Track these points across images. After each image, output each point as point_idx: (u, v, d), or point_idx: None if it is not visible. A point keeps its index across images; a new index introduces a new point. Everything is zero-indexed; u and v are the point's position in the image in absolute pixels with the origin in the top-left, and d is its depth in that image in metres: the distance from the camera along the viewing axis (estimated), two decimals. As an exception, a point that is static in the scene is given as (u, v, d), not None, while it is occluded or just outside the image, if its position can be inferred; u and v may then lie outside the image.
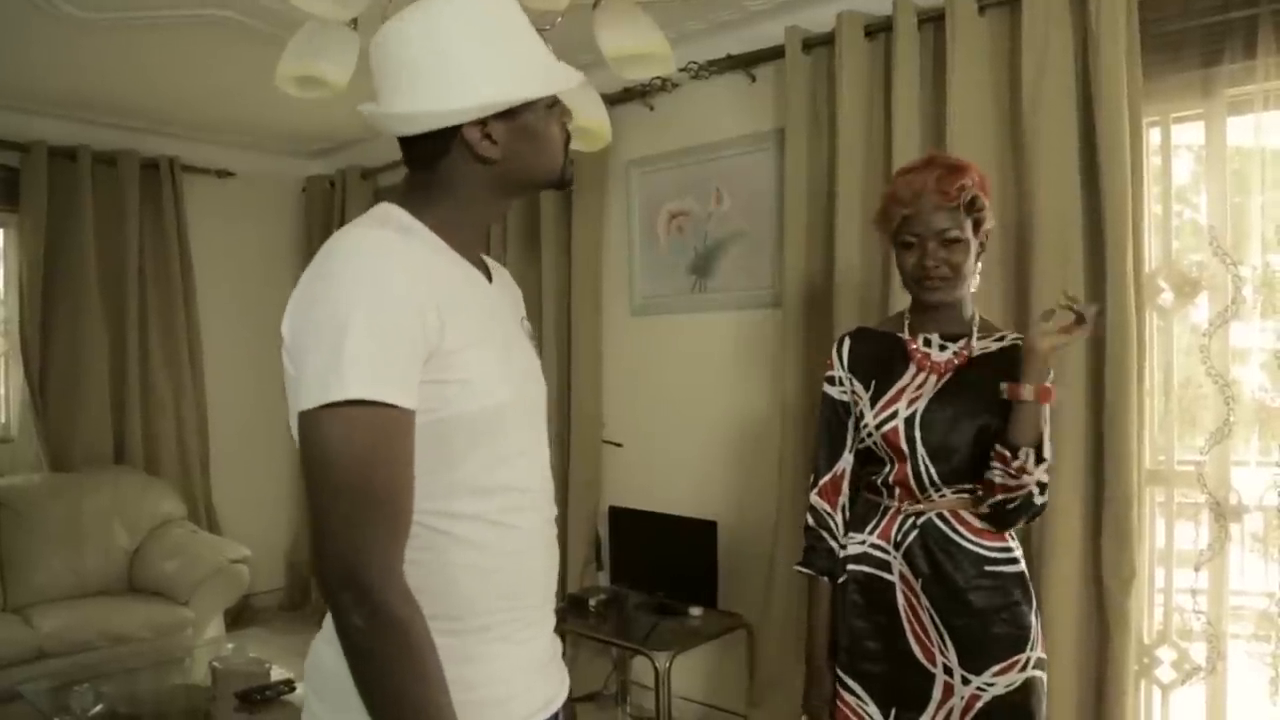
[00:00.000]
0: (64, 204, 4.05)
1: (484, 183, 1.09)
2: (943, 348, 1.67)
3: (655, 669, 2.84)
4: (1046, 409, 1.53)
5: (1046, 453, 1.55)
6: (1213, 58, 2.24)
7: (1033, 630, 1.61)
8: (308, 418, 0.93)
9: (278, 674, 2.68)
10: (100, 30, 3.07)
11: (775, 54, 2.98)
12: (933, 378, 1.65)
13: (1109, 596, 2.30)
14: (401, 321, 0.94)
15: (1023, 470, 1.52)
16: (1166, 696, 2.40)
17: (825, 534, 1.76)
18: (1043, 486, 1.57)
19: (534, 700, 1.10)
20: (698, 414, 3.37)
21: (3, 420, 4.18)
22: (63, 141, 4.04)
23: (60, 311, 4.05)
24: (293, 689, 2.62)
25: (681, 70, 3.16)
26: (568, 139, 1.14)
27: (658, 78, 3.18)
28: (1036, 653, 1.61)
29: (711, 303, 3.33)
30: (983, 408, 1.58)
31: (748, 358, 3.21)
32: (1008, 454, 1.52)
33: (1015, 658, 1.59)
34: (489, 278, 1.14)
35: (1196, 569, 2.29)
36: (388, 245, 0.98)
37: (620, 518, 3.49)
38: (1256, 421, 2.28)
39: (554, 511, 1.15)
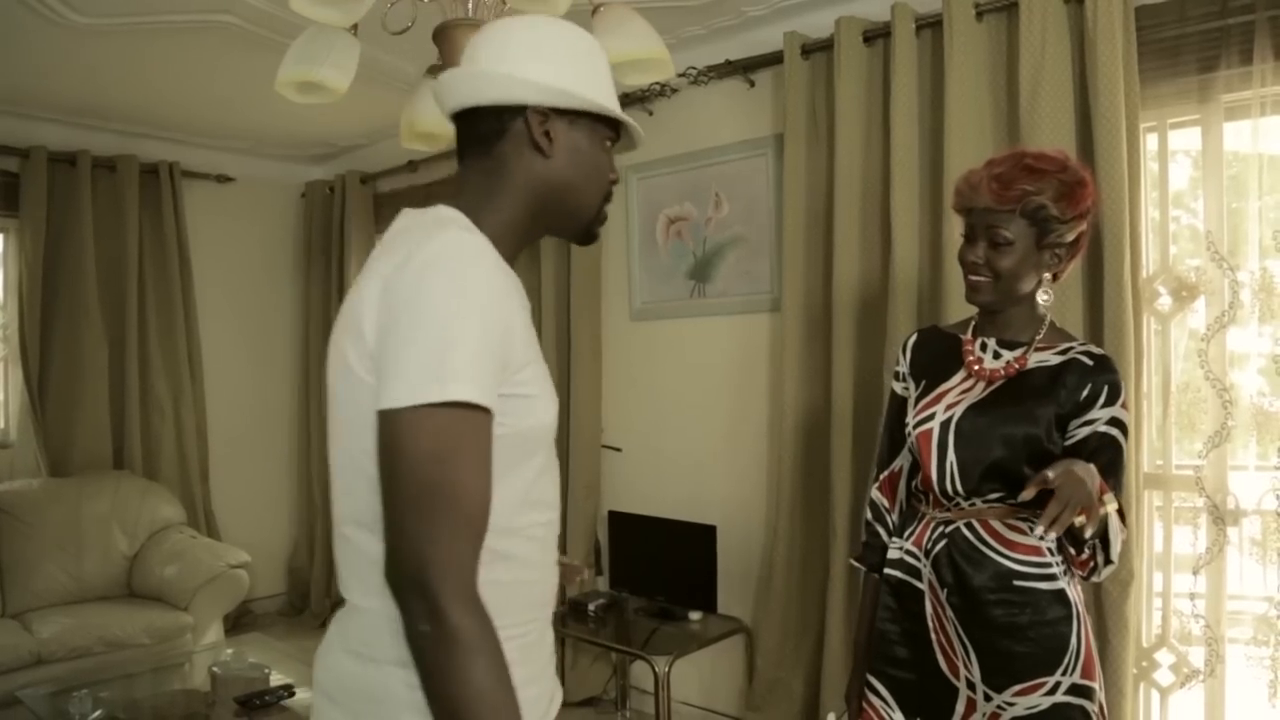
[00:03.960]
0: (64, 209, 4.05)
1: (531, 182, 1.08)
2: (997, 355, 1.60)
3: (655, 673, 2.84)
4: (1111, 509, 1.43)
5: (1114, 554, 1.47)
6: (1209, 64, 2.25)
7: (1070, 653, 1.49)
8: (396, 416, 0.91)
9: (277, 679, 2.68)
10: (100, 35, 3.08)
11: (774, 59, 2.99)
12: (980, 384, 1.59)
13: (1107, 600, 2.30)
14: (493, 330, 0.94)
15: (1088, 566, 1.49)
16: (1165, 700, 2.40)
17: (880, 529, 1.74)
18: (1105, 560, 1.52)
19: (553, 696, 1.14)
20: (697, 418, 3.37)
21: (2, 426, 4.18)
22: (62, 147, 4.05)
23: (59, 317, 4.05)
24: (292, 694, 2.61)
25: (680, 76, 3.17)
26: (608, 196, 1.15)
27: (656, 83, 3.19)
28: (1073, 678, 1.49)
29: (711, 307, 3.33)
30: (1023, 422, 1.51)
31: (747, 362, 3.22)
32: (1073, 551, 1.48)
33: (1041, 679, 1.49)
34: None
35: (1195, 573, 2.30)
36: (483, 253, 0.97)
37: (620, 522, 3.49)
38: (1255, 426, 2.28)
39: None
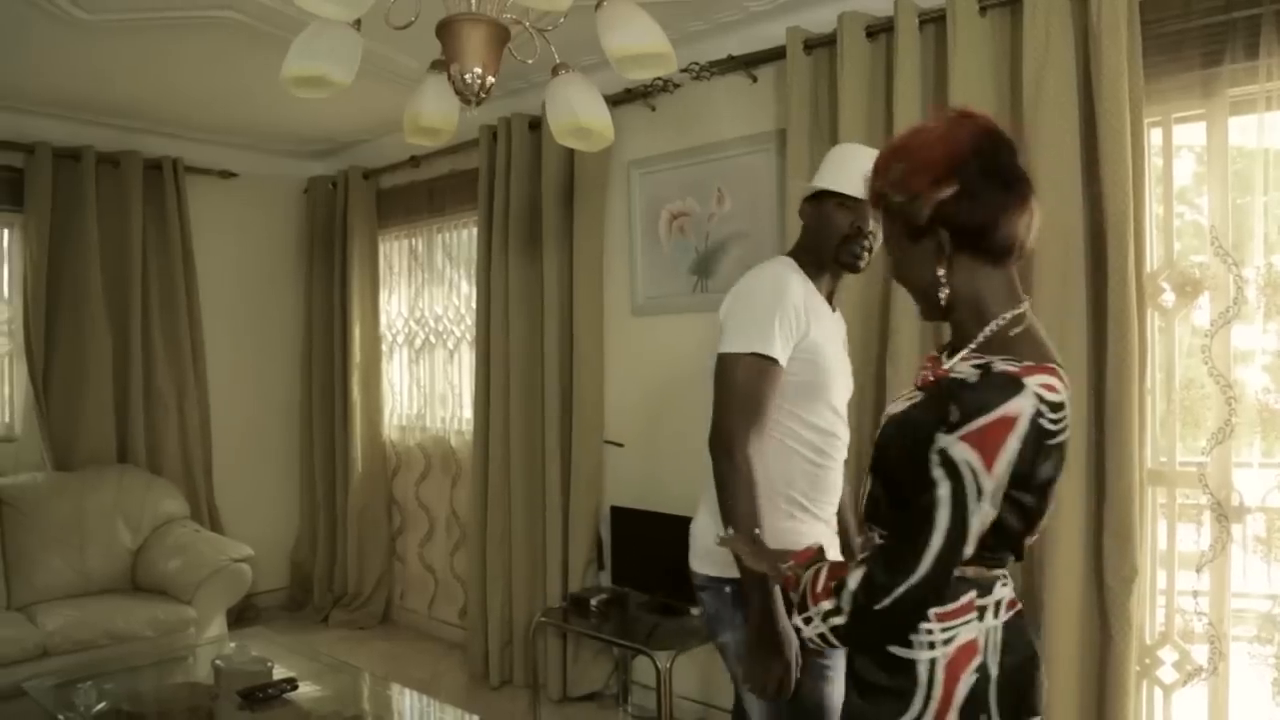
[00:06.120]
0: (68, 204, 4.06)
1: (809, 240, 1.88)
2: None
3: (657, 669, 2.84)
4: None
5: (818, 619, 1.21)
6: (1214, 58, 2.24)
7: None
8: (729, 356, 1.74)
9: (280, 673, 2.68)
10: (104, 31, 3.08)
11: (777, 54, 2.99)
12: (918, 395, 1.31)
13: (1111, 596, 2.30)
14: (790, 317, 1.73)
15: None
16: (1168, 697, 2.40)
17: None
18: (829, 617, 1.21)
19: (835, 554, 1.79)
20: (699, 414, 3.34)
21: (7, 420, 4.19)
22: (66, 142, 4.05)
23: (64, 311, 4.06)
24: (295, 687, 2.62)
25: (683, 71, 3.16)
26: (848, 236, 1.81)
27: (659, 78, 3.18)
28: None
29: (713, 303, 3.28)
30: (891, 444, 1.29)
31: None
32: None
33: None
34: (832, 310, 1.91)
35: (1198, 570, 2.29)
36: (790, 273, 1.81)
37: (622, 518, 3.49)
38: (1259, 422, 2.28)
39: (845, 455, 1.89)
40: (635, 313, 3.60)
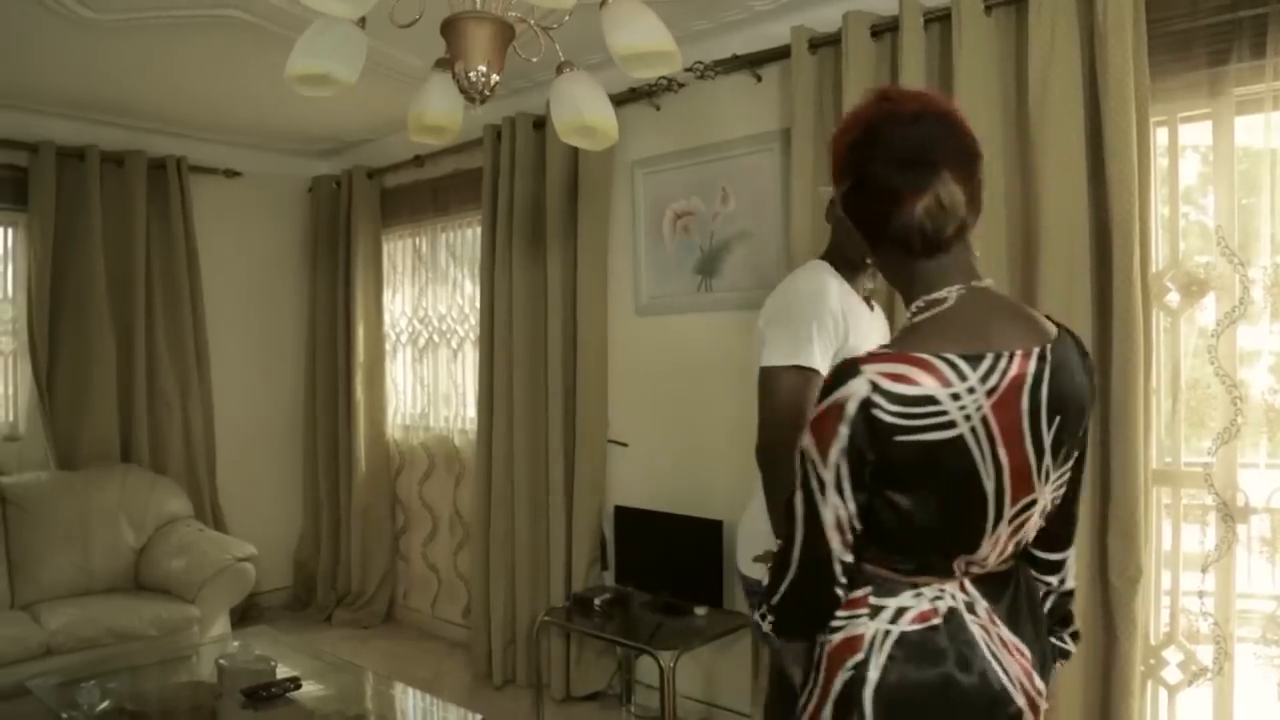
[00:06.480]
0: (72, 204, 4.07)
1: (838, 241, 1.95)
2: None
3: (660, 668, 2.84)
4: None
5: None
6: (1220, 57, 2.24)
7: None
8: (772, 369, 1.82)
9: (284, 672, 2.69)
10: (109, 30, 3.09)
11: (781, 54, 2.98)
12: None
13: (1115, 596, 2.29)
14: (829, 325, 1.81)
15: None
16: (1173, 697, 2.39)
17: None
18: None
19: None
20: (703, 413, 3.37)
21: (11, 419, 4.20)
22: (71, 141, 4.06)
23: (68, 310, 4.06)
24: (298, 686, 2.62)
25: (687, 70, 3.16)
26: None
27: (664, 78, 3.18)
28: None
29: (717, 302, 3.33)
30: None
31: (753, 357, 3.20)
32: None
33: None
34: (870, 309, 2.00)
35: (1203, 570, 2.28)
36: (826, 277, 1.88)
37: (625, 517, 3.49)
38: (1265, 423, 2.27)
39: None
40: (639, 312, 3.60)
